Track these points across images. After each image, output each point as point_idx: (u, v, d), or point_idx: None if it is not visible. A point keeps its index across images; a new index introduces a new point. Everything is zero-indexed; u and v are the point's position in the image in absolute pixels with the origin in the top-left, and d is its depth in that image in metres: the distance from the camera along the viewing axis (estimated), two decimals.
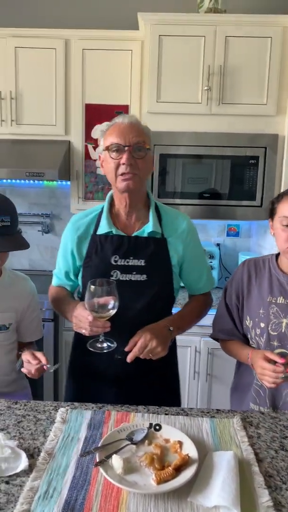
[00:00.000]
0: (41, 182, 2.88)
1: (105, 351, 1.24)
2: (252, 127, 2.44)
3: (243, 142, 2.44)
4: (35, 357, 1.27)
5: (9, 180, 2.72)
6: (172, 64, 2.39)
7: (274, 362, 1.20)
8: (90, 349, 1.24)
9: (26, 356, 1.30)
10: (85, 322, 1.19)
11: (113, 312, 1.17)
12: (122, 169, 1.26)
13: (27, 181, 2.72)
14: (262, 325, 1.34)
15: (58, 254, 1.46)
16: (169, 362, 1.44)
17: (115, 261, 1.33)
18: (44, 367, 1.26)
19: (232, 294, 1.43)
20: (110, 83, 2.51)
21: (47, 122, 2.56)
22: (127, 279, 1.33)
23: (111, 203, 1.40)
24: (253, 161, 2.46)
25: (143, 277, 1.33)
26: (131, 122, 1.29)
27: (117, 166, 1.26)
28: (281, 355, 1.25)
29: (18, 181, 2.75)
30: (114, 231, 1.35)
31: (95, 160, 2.60)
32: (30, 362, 1.27)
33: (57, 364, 1.23)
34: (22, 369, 1.31)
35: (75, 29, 2.50)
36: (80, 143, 2.58)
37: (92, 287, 1.16)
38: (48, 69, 2.52)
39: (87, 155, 2.60)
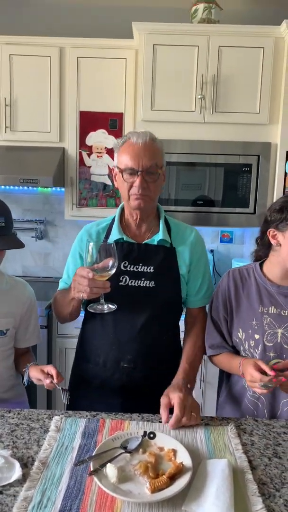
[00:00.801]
0: (35, 188, 2.88)
1: (105, 311, 1.22)
2: (245, 136, 2.47)
3: (236, 150, 2.47)
4: (44, 372, 1.23)
5: (3, 186, 2.72)
6: (166, 73, 2.42)
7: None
8: (91, 310, 1.23)
9: (34, 373, 1.26)
10: (85, 282, 1.14)
11: (113, 270, 1.17)
12: (134, 190, 1.30)
13: (21, 187, 2.72)
14: (257, 336, 1.31)
15: (68, 261, 1.47)
16: (174, 372, 1.42)
17: (125, 267, 1.35)
18: (55, 383, 1.20)
19: (219, 307, 1.39)
20: (104, 91, 2.53)
21: (42, 129, 2.57)
22: (136, 284, 1.34)
23: (122, 214, 1.43)
24: (246, 169, 2.49)
25: (151, 284, 1.34)
26: (145, 142, 1.29)
27: (130, 187, 1.30)
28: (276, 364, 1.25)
29: (12, 187, 2.74)
30: (125, 238, 1.37)
31: (89, 167, 2.61)
32: (42, 380, 1.22)
33: (66, 392, 1.17)
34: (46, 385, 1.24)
35: (70, 37, 2.52)
36: (74, 150, 2.59)
37: (91, 244, 1.16)
38: (43, 77, 2.53)
39: (81, 162, 2.61)
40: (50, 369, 1.22)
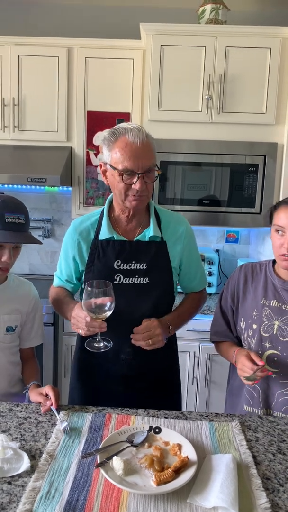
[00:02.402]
0: (42, 187, 2.91)
1: (102, 350, 1.25)
2: (251, 136, 2.48)
3: (243, 150, 2.48)
4: (43, 395, 1.25)
5: (11, 185, 2.75)
6: (173, 73, 2.44)
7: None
8: (88, 348, 1.26)
9: (34, 398, 1.28)
10: (82, 323, 1.21)
11: (109, 313, 1.19)
12: (133, 192, 1.27)
13: (28, 186, 2.75)
14: (255, 326, 1.37)
15: (60, 256, 1.48)
16: (172, 364, 1.50)
17: (118, 266, 1.36)
18: (53, 406, 1.22)
19: (227, 297, 1.48)
20: (112, 91, 2.55)
21: (49, 129, 2.60)
22: (130, 282, 1.36)
23: (110, 208, 1.42)
24: (252, 169, 2.49)
25: (145, 280, 1.36)
26: (143, 142, 1.24)
27: (128, 187, 1.27)
28: (272, 357, 1.31)
29: (20, 186, 2.77)
30: (116, 236, 1.37)
31: (96, 166, 2.63)
32: (42, 403, 1.24)
33: (65, 423, 1.15)
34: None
35: (78, 38, 2.55)
36: (81, 150, 2.61)
37: (89, 288, 1.18)
38: (51, 77, 2.56)
39: (88, 161, 2.63)
40: (48, 391, 1.24)
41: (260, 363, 1.22)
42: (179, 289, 1.54)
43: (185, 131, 2.48)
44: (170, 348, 1.45)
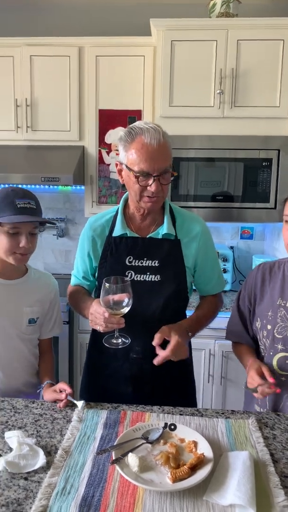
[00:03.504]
0: (56, 187, 2.92)
1: (120, 346, 1.25)
2: (265, 130, 2.44)
3: (256, 145, 2.44)
4: (57, 392, 1.26)
5: (24, 185, 2.78)
6: (184, 69, 2.42)
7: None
8: (106, 344, 1.26)
9: (48, 397, 1.29)
10: (101, 319, 1.21)
11: (127, 309, 1.19)
12: (148, 193, 1.26)
13: (42, 186, 2.77)
14: (269, 327, 1.33)
15: (76, 255, 1.49)
16: (185, 363, 1.45)
17: (130, 262, 1.36)
18: (68, 392, 1.24)
19: (245, 297, 1.44)
20: (123, 88, 2.55)
21: (62, 128, 2.61)
22: (142, 279, 1.35)
23: (125, 205, 1.42)
24: (266, 163, 2.46)
25: (157, 278, 1.35)
26: (159, 144, 1.22)
27: (143, 189, 1.26)
28: (283, 360, 1.27)
29: (33, 186, 2.80)
30: (129, 233, 1.37)
31: (108, 165, 2.64)
32: (58, 399, 1.26)
33: (82, 402, 1.22)
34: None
35: (88, 36, 2.55)
36: (94, 148, 2.62)
37: (107, 284, 1.18)
38: (63, 76, 2.57)
39: (100, 160, 2.63)
40: (62, 385, 1.26)
41: (270, 379, 1.17)
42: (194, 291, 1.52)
43: (197, 127, 2.46)
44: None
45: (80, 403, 1.22)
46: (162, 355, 1.21)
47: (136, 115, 2.57)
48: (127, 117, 2.58)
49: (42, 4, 2.85)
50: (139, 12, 2.73)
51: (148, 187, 1.25)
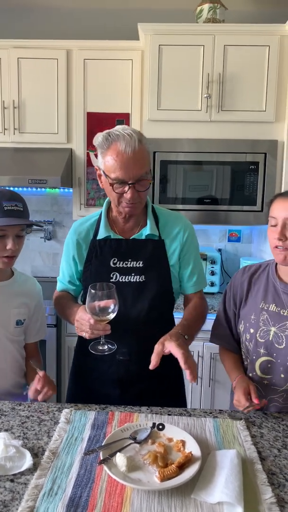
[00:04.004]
0: (43, 189, 2.91)
1: (106, 353, 1.25)
2: (251, 134, 2.48)
3: (243, 148, 2.48)
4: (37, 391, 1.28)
5: (12, 188, 2.76)
6: (172, 73, 2.44)
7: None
8: (92, 351, 1.26)
9: (31, 392, 1.30)
10: (86, 325, 1.20)
11: (113, 315, 1.19)
12: (125, 199, 1.27)
13: (29, 188, 2.75)
14: (252, 330, 1.33)
15: (62, 260, 1.49)
16: (174, 365, 1.44)
17: (114, 264, 1.36)
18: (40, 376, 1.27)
19: (230, 299, 1.43)
20: (111, 92, 2.56)
21: (49, 131, 2.61)
22: (127, 280, 1.35)
23: (109, 208, 1.43)
24: (253, 167, 2.49)
25: (141, 278, 1.35)
26: (134, 152, 1.21)
27: (120, 195, 1.27)
28: (265, 364, 1.28)
29: (20, 188, 2.78)
30: (112, 235, 1.38)
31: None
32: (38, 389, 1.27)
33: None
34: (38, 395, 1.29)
35: (77, 39, 2.56)
36: (82, 151, 2.62)
37: (93, 291, 1.17)
38: (50, 79, 2.57)
39: (89, 163, 2.63)
40: (37, 378, 1.28)
41: (255, 401, 1.18)
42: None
43: (185, 130, 2.49)
44: None
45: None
46: (191, 376, 1.11)
47: (124, 118, 2.59)
48: (115, 120, 2.59)
49: (30, 6, 2.85)
50: (127, 16, 2.75)
51: (124, 195, 1.25)
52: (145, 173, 1.26)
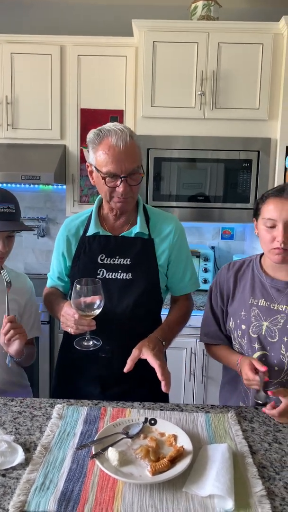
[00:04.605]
0: (36, 186, 2.90)
1: (91, 349, 1.25)
2: (245, 131, 2.49)
3: (237, 146, 2.49)
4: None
5: (4, 184, 2.74)
6: (166, 70, 2.44)
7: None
8: (77, 347, 1.25)
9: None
10: (71, 320, 1.20)
11: (98, 311, 1.19)
12: (117, 194, 1.27)
13: (22, 185, 2.74)
14: (243, 327, 1.33)
15: (52, 256, 1.49)
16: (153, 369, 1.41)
17: (102, 260, 1.36)
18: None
19: (217, 297, 1.42)
20: (105, 88, 2.55)
21: (43, 127, 2.59)
22: (113, 277, 1.35)
23: (100, 206, 1.43)
24: (246, 164, 2.50)
25: (128, 276, 1.35)
26: (126, 146, 1.23)
27: (112, 190, 1.27)
28: (260, 358, 1.28)
29: (13, 185, 2.77)
30: (101, 231, 1.38)
31: None
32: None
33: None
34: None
35: (71, 35, 2.55)
36: (75, 147, 2.61)
37: (78, 286, 1.17)
38: (44, 75, 2.55)
39: (82, 159, 2.63)
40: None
41: (262, 368, 1.17)
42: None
43: (179, 128, 2.49)
44: None
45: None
46: (166, 386, 1.14)
47: (118, 115, 2.58)
48: (109, 117, 2.58)
49: (24, 1, 2.83)
50: (122, 13, 2.74)
51: (117, 188, 1.26)
52: (136, 167, 1.26)
